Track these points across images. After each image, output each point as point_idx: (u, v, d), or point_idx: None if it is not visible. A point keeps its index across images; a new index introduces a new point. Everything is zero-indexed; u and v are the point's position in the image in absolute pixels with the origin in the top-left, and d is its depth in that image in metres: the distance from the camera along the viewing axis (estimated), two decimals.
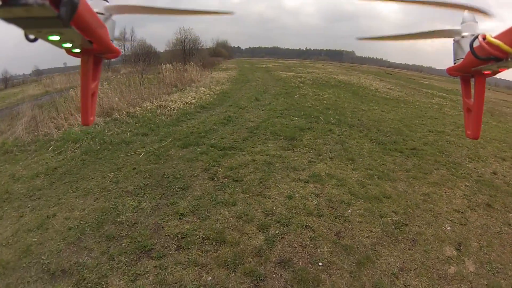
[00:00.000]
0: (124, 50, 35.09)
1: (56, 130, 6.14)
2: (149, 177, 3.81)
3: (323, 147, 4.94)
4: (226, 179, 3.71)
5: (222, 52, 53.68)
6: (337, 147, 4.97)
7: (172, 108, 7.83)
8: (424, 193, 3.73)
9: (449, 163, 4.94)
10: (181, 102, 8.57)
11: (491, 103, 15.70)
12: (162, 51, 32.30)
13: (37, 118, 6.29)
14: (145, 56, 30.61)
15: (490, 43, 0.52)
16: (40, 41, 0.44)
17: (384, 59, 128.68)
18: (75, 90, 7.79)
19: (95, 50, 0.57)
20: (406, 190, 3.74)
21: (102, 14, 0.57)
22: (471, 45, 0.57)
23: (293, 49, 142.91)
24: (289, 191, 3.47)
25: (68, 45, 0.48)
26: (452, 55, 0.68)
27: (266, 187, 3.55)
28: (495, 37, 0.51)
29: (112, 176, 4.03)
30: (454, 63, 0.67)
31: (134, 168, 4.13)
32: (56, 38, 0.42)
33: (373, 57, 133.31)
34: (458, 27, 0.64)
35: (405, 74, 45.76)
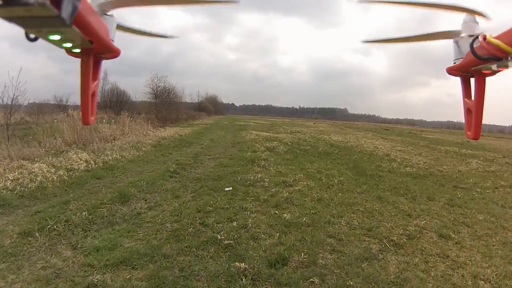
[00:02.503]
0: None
1: None
2: None
3: None
4: None
5: (207, 107, 51.64)
6: None
7: None
8: None
9: None
10: None
11: None
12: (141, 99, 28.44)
13: None
14: (114, 103, 26.60)
15: (490, 43, 0.52)
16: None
17: (376, 115, 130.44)
18: None
19: (95, 50, 0.55)
20: None
21: (102, 13, 0.56)
22: (471, 45, 0.57)
23: (287, 107, 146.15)
24: None
25: (69, 44, 0.48)
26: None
27: None
28: (495, 37, 0.52)
29: None
30: (454, 63, 0.66)
31: None
32: (56, 37, 0.42)
33: (365, 114, 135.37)
34: (458, 29, 0.64)
35: (401, 128, 42.17)
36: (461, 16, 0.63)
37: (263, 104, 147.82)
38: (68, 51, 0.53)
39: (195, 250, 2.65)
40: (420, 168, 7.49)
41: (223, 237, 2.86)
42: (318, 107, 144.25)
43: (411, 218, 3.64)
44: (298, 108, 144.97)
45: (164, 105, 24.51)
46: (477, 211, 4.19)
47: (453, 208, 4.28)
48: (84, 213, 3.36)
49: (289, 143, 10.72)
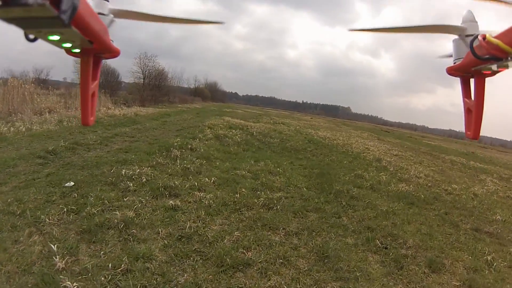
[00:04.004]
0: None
1: None
2: None
3: None
4: None
5: (204, 92, 49.11)
6: None
7: None
8: None
9: None
10: None
11: None
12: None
13: None
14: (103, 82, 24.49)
15: (489, 43, 0.50)
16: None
17: (379, 117, 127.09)
18: None
19: (95, 50, 0.54)
20: None
21: (102, 14, 0.54)
22: (471, 45, 0.55)
23: (290, 100, 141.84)
24: None
25: (68, 45, 0.47)
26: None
27: None
28: (495, 37, 0.50)
29: None
30: (454, 63, 0.64)
31: None
32: (56, 38, 0.41)
33: (368, 114, 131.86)
34: (457, 24, 0.61)
35: (402, 132, 39.52)
36: (460, 16, 0.62)
37: (267, 96, 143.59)
38: (68, 51, 0.51)
39: None
40: (421, 186, 5.13)
41: None
42: (321, 103, 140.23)
43: None
44: (301, 102, 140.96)
45: (149, 86, 22.53)
46: None
47: None
48: None
49: (254, 133, 8.32)
